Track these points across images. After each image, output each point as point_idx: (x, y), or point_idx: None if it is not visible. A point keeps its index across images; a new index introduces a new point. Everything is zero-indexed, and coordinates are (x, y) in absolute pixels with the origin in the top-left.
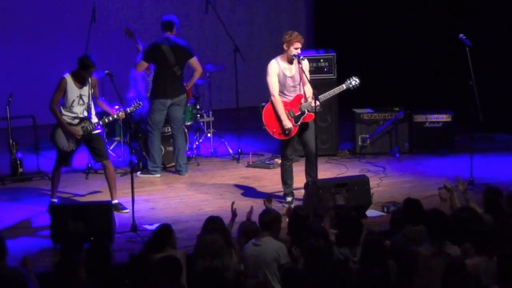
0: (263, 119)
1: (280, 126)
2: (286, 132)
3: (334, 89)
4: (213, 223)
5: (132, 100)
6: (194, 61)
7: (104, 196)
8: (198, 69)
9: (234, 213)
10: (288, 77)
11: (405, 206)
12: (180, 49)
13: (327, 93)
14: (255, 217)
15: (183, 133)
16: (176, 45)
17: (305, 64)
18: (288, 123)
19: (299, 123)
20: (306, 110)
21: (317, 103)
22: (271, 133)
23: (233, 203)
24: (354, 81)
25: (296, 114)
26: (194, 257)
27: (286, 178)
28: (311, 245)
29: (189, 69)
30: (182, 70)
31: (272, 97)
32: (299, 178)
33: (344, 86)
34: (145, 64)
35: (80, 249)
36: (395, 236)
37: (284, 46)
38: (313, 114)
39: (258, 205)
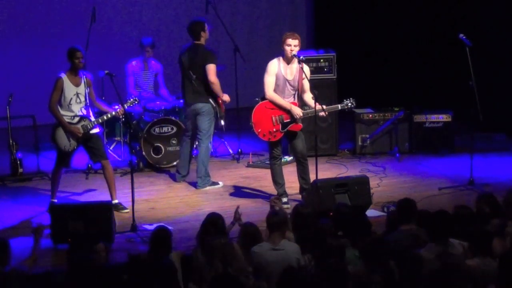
0: (252, 116)
1: (266, 128)
2: (280, 129)
3: (329, 107)
4: (214, 225)
5: (130, 96)
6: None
7: (104, 196)
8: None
9: (237, 218)
10: (287, 81)
11: (399, 206)
12: None
13: (326, 107)
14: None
15: (205, 147)
16: None
17: (306, 69)
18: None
19: (285, 130)
20: (297, 119)
21: (318, 106)
22: (256, 133)
23: (237, 207)
24: (351, 103)
25: (285, 121)
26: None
27: (277, 178)
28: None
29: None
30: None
31: (267, 96)
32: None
33: (339, 107)
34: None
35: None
36: (390, 236)
37: (281, 47)
38: (301, 125)
39: (258, 205)
